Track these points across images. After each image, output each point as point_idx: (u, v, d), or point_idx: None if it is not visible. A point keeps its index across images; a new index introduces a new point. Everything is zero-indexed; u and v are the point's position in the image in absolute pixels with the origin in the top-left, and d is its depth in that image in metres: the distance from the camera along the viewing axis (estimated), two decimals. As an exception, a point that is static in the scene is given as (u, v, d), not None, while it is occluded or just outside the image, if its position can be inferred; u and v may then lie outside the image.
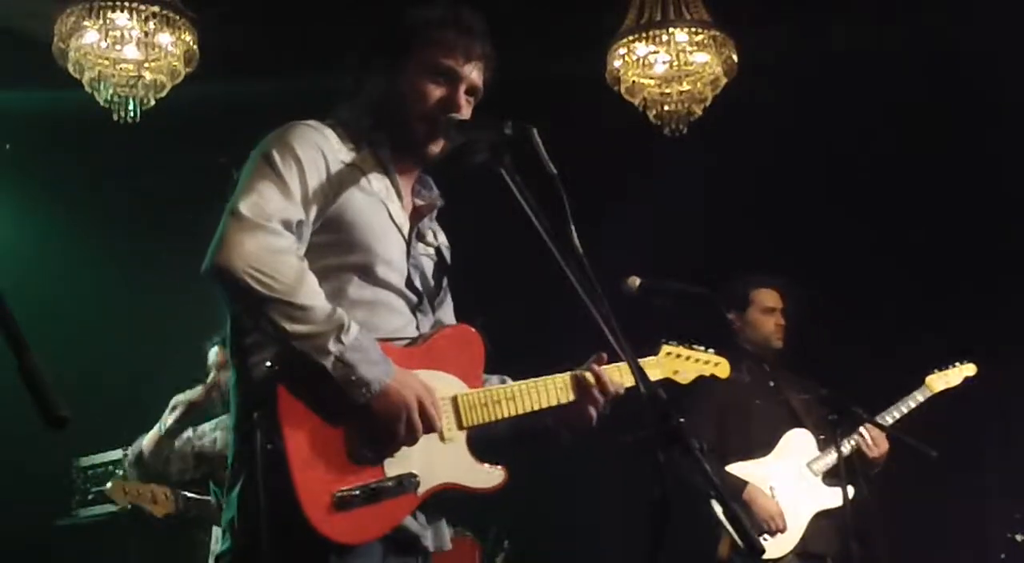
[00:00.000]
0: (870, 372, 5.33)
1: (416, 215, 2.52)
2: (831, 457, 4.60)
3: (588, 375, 2.56)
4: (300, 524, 2.12)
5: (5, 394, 2.10)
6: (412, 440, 2.25)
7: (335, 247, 2.34)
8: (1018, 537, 5.04)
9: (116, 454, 5.06)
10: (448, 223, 2.66)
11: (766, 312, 4.98)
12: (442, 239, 2.63)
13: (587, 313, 2.09)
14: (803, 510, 4.62)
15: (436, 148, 2.47)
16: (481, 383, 2.50)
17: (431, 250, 2.55)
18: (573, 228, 2.13)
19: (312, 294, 2.19)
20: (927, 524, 5.54)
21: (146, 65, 4.80)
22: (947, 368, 4.90)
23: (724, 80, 5.11)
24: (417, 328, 2.43)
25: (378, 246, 2.37)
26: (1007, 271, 5.79)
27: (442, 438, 2.36)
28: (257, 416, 2.18)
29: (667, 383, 2.91)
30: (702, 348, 3.01)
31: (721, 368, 3.06)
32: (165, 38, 4.72)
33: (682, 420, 1.99)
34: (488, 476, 2.45)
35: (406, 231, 2.46)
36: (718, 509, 4.50)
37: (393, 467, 2.27)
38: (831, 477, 4.64)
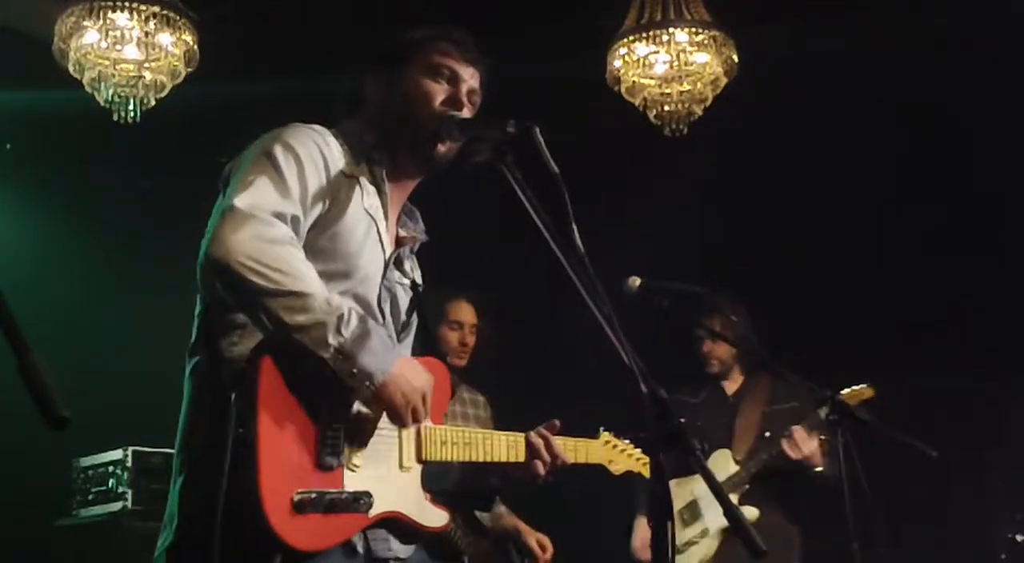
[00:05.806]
0: (871, 370, 5.33)
1: (398, 243, 2.50)
2: (739, 477, 4.69)
3: (537, 438, 2.59)
4: (257, 521, 2.02)
5: (5, 394, 2.10)
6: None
7: (321, 253, 2.27)
8: (1019, 538, 5.02)
9: (116, 454, 5.05)
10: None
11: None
12: (417, 275, 2.59)
13: (589, 312, 2.08)
14: (712, 529, 4.74)
15: (444, 148, 2.45)
16: (442, 420, 2.47)
17: (406, 281, 2.51)
18: (575, 227, 2.13)
19: (311, 282, 2.11)
20: (927, 524, 5.54)
21: (146, 65, 4.79)
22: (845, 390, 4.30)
23: (724, 80, 5.11)
24: None
25: (360, 260, 2.34)
26: (1007, 272, 5.78)
27: (401, 466, 2.34)
28: (234, 397, 2.07)
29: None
30: (632, 445, 2.94)
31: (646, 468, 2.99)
32: (165, 38, 4.72)
33: (682, 420, 1.98)
34: (434, 516, 2.41)
35: (388, 253, 2.43)
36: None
37: (352, 482, 2.20)
38: (748, 496, 4.70)
